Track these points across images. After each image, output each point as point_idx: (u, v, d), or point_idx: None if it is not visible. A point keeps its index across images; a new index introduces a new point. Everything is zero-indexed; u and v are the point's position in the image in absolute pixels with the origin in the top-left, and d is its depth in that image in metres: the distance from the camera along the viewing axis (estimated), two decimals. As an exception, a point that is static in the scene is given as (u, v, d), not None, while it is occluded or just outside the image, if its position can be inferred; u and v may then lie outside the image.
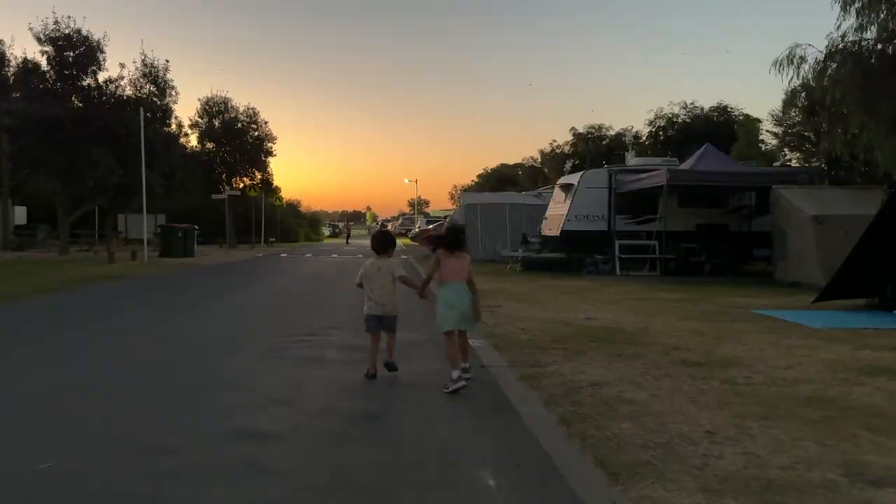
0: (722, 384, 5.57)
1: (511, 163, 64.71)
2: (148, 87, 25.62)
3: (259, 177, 37.62)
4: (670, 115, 33.02)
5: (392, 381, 5.88)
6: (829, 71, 13.48)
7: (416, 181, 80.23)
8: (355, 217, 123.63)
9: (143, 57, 25.77)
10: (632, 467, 3.69)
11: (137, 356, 6.97)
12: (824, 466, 3.68)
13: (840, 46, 13.38)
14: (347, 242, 48.84)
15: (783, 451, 3.94)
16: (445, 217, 42.23)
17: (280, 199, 42.22)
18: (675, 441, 4.13)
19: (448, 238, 5.85)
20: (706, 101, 40.99)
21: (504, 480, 3.58)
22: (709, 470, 3.65)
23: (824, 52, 13.57)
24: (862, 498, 3.28)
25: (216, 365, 6.54)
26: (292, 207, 54.03)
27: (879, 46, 13.15)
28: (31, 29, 23.73)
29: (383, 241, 6.10)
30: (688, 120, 32.47)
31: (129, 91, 25.30)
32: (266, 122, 37.63)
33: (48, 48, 23.74)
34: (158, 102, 25.78)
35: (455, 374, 5.41)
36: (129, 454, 3.93)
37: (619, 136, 39.23)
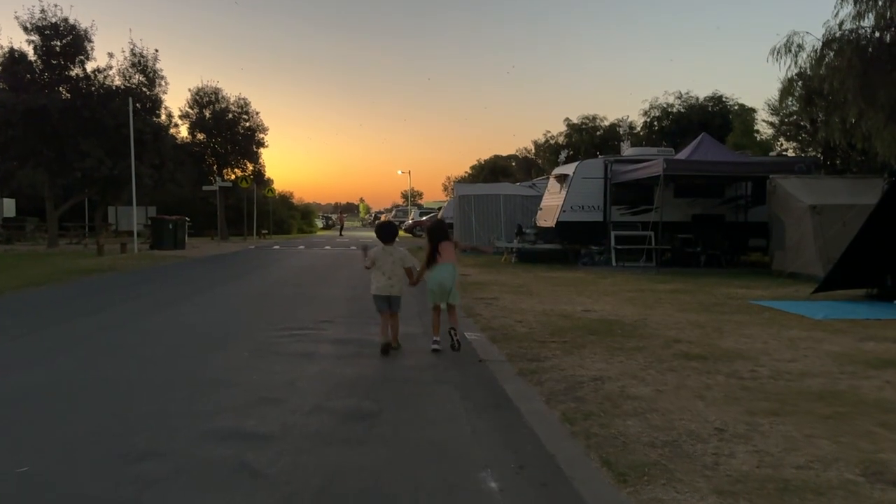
0: (727, 378, 5.41)
1: (505, 154, 64.67)
2: (137, 76, 25.28)
3: (251, 168, 37.23)
4: (665, 105, 32.80)
5: (387, 377, 5.71)
6: (827, 59, 13.29)
7: (410, 172, 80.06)
8: (349, 209, 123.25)
9: (131, 46, 25.48)
10: (640, 468, 3.53)
11: (124, 352, 6.76)
12: (841, 466, 3.53)
13: (838, 35, 13.21)
14: (340, 234, 48.63)
15: (797, 449, 3.78)
16: (439, 209, 42.09)
17: (272, 190, 41.86)
18: (684, 439, 3.97)
19: (429, 234, 7.02)
20: (701, 91, 40.83)
21: (507, 483, 3.41)
22: (721, 470, 3.49)
23: (822, 40, 13.42)
24: (884, 499, 3.12)
25: (205, 361, 6.34)
26: (285, 199, 53.70)
27: (877, 35, 12.98)
28: (17, 17, 23.48)
29: (389, 231, 6.95)
30: (682, 110, 32.24)
31: (117, 81, 24.98)
32: (258, 113, 37.37)
33: (35, 37, 23.37)
34: (148, 92, 25.44)
35: (436, 338, 6.72)
36: (112, 456, 3.75)
37: (614, 127, 39.01)
